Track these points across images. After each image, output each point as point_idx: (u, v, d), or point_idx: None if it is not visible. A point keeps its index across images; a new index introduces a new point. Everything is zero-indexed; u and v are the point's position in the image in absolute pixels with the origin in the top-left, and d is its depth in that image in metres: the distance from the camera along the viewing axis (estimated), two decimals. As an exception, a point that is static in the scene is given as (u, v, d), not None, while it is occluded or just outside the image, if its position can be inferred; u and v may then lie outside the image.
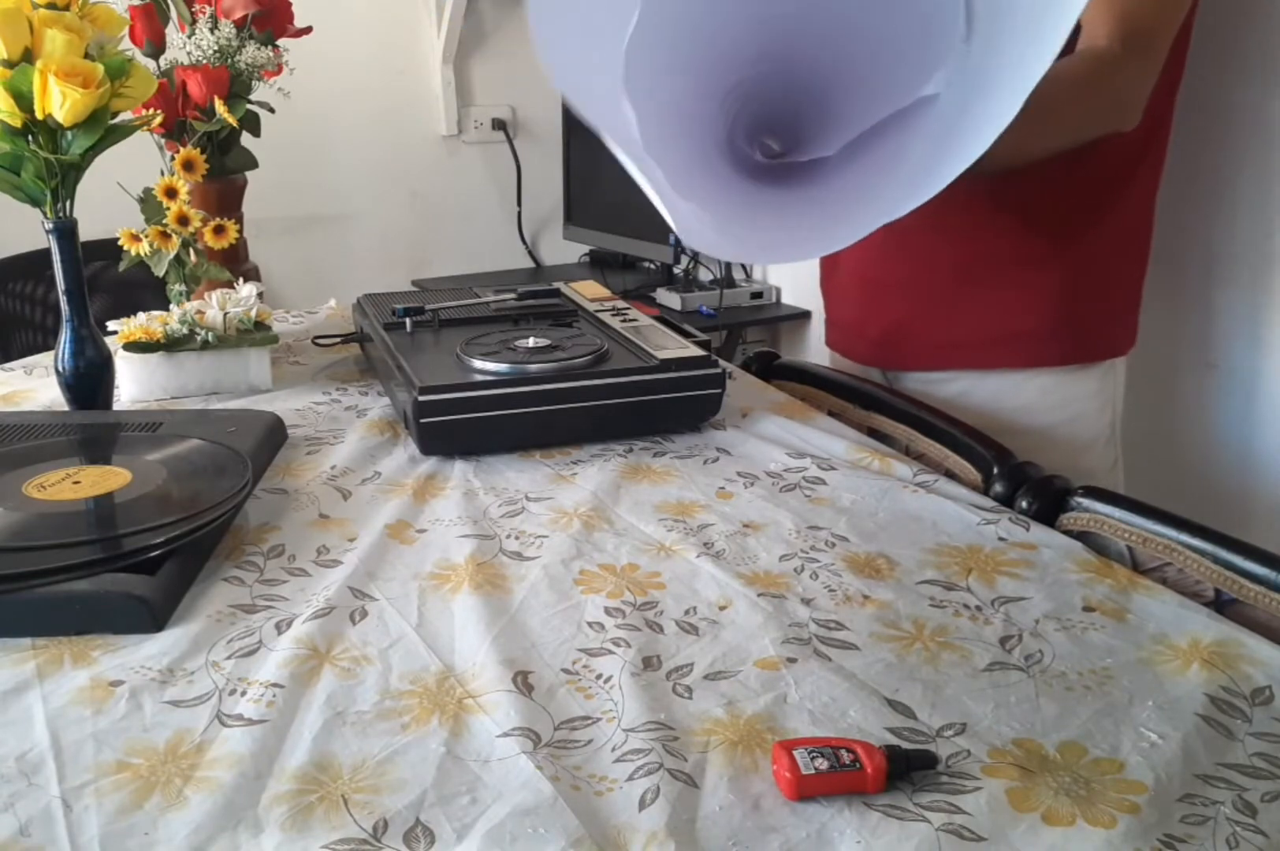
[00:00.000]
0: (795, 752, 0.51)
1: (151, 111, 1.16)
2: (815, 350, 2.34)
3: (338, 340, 1.28)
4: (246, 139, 1.34)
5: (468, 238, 2.78)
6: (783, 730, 0.55)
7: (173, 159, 1.19)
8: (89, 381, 1.00)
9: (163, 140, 1.32)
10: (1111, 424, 1.17)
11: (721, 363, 0.99)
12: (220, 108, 1.22)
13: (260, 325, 1.12)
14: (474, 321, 1.15)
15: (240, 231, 1.27)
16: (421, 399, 0.90)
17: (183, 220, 1.13)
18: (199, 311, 1.10)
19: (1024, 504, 0.84)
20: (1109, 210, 1.08)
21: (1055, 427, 1.12)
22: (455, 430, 0.92)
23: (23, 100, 0.88)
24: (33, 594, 0.64)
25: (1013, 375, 1.13)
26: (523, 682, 0.59)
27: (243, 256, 1.36)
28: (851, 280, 1.22)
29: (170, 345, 1.08)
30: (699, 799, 0.50)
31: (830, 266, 1.27)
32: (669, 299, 2.35)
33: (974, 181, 0.66)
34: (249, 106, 1.30)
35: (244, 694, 0.58)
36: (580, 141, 2.69)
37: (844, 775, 0.50)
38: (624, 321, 1.10)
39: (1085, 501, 0.80)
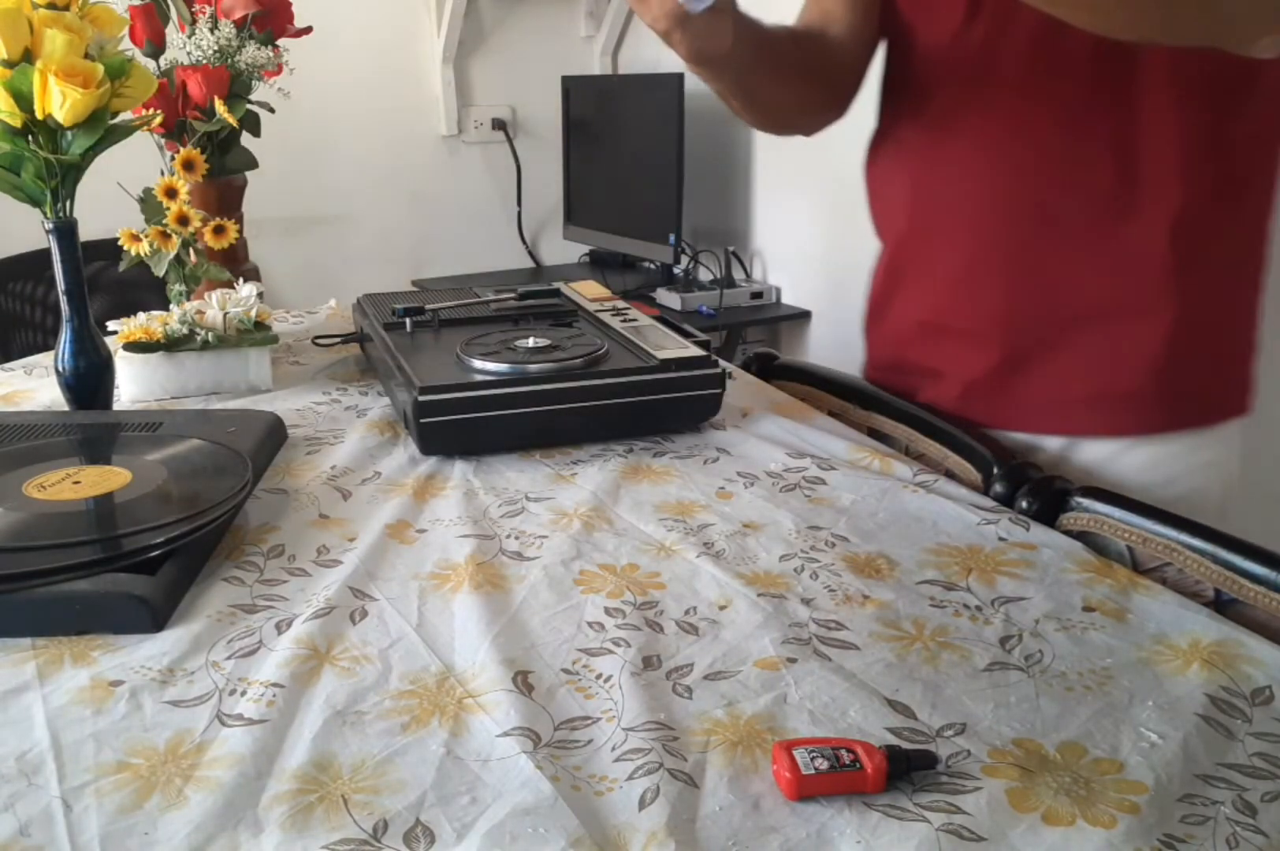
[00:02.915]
0: (795, 752, 0.51)
1: (151, 111, 1.16)
2: (815, 350, 2.34)
3: (338, 340, 1.28)
4: (246, 139, 1.34)
5: (467, 238, 2.78)
6: (783, 730, 0.55)
7: (173, 159, 1.19)
8: (89, 381, 1.00)
9: (163, 140, 1.32)
10: (1222, 500, 0.96)
11: (721, 363, 0.99)
12: (220, 108, 1.22)
13: (260, 325, 1.12)
14: (474, 321, 1.15)
15: (240, 231, 1.27)
16: (421, 399, 0.90)
17: (183, 220, 1.13)
18: (199, 311, 1.11)
19: (1024, 504, 0.84)
20: (1226, 233, 0.87)
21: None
22: (455, 430, 0.92)
23: (23, 100, 0.88)
24: (33, 594, 0.64)
25: (1108, 444, 0.93)
26: (523, 682, 0.59)
27: (243, 256, 1.36)
28: (908, 323, 1.04)
29: (170, 345, 1.08)
30: (699, 799, 0.50)
31: (880, 304, 1.07)
32: (669, 299, 2.36)
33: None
34: (249, 106, 1.30)
35: (244, 694, 0.58)
36: (580, 141, 2.70)
37: (844, 775, 0.50)
38: (624, 321, 1.10)
39: (1085, 501, 0.80)
